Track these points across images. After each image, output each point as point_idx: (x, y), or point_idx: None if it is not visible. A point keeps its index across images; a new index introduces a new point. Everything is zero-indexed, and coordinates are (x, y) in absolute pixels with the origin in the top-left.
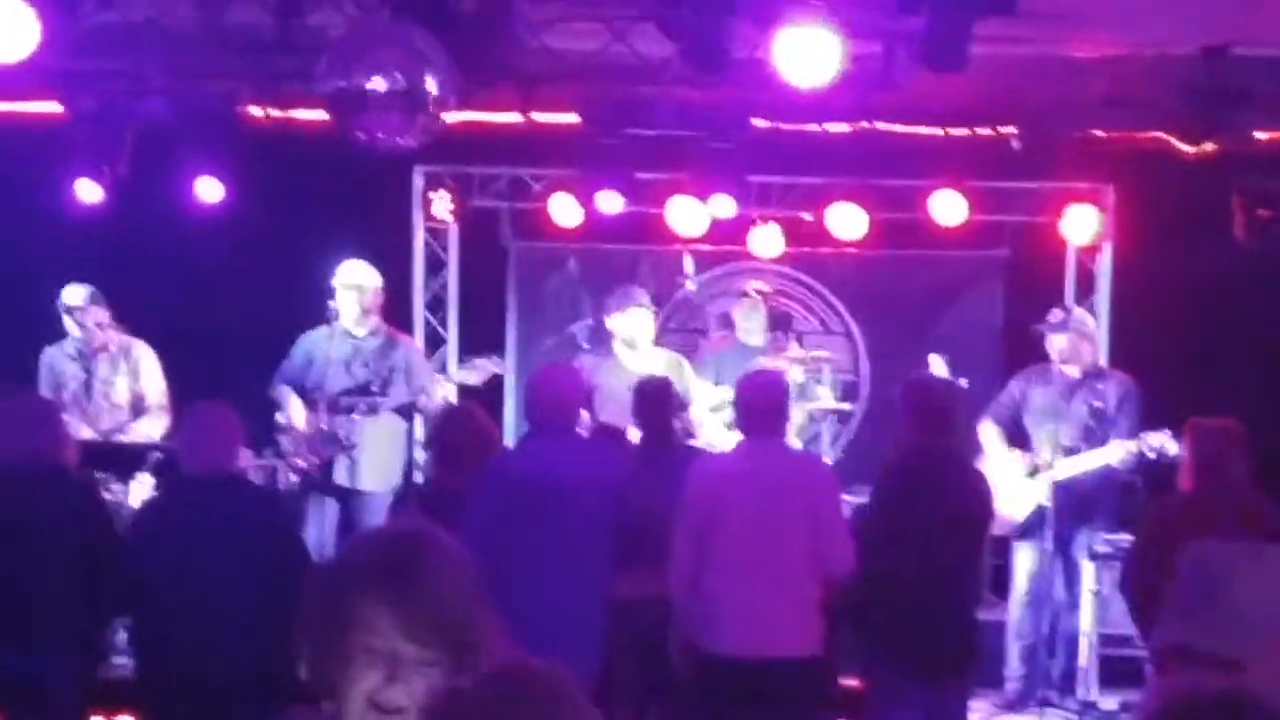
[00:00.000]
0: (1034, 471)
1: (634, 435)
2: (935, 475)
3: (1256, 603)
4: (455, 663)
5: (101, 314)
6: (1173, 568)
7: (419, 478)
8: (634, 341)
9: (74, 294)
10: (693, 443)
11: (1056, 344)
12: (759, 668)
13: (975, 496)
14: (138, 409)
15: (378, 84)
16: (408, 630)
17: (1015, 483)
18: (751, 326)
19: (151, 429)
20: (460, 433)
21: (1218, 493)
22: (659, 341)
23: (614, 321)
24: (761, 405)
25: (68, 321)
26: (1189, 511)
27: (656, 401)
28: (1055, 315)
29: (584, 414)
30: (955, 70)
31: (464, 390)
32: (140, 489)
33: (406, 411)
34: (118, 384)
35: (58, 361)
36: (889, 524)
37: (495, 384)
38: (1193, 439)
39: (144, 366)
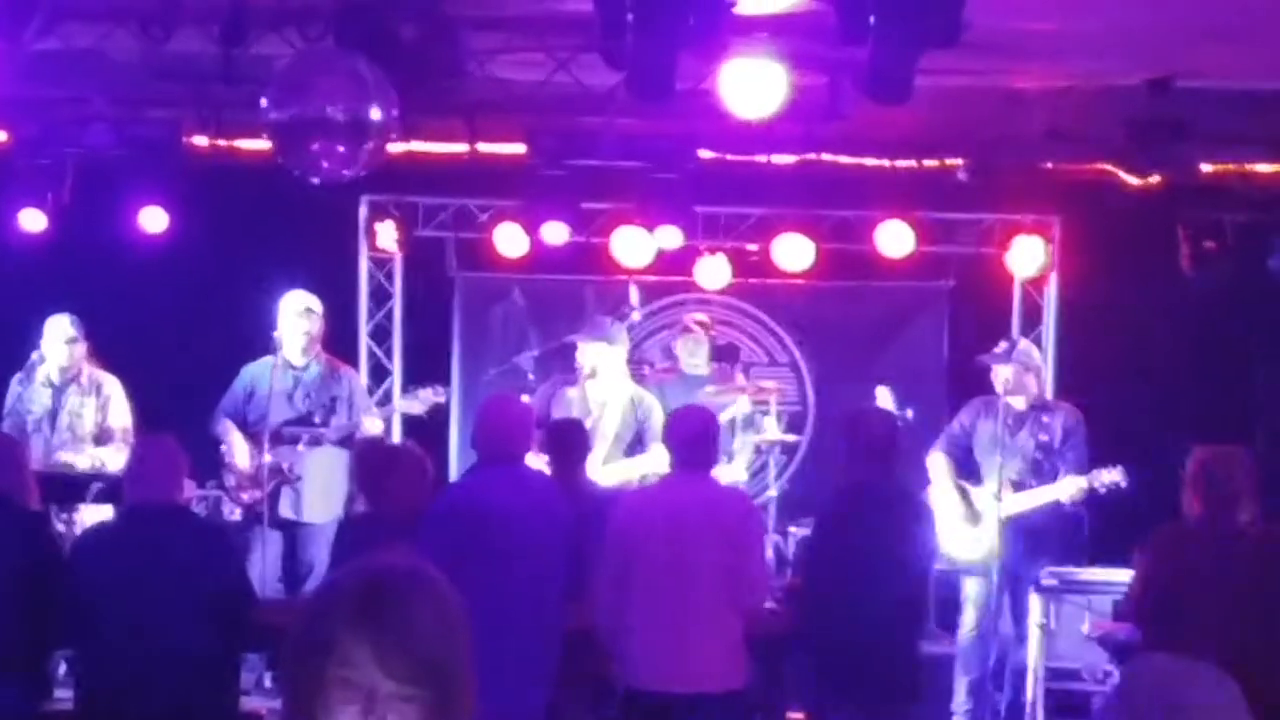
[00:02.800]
0: (982, 507)
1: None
2: (875, 507)
3: None
4: (435, 699)
5: (83, 346)
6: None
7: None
8: (598, 372)
9: (64, 324)
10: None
11: (1001, 375)
12: (679, 702)
13: (916, 529)
14: (102, 442)
15: (322, 115)
16: (386, 665)
17: (963, 516)
18: (696, 360)
19: (113, 459)
20: (376, 469)
21: (1229, 525)
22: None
23: (583, 349)
24: (690, 439)
25: (57, 351)
26: (1201, 542)
27: (570, 441)
28: (1000, 347)
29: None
30: (899, 102)
31: (407, 420)
32: (93, 518)
33: (348, 443)
34: (85, 416)
35: (27, 389)
36: (829, 557)
37: (439, 414)
38: (1201, 466)
39: (113, 401)
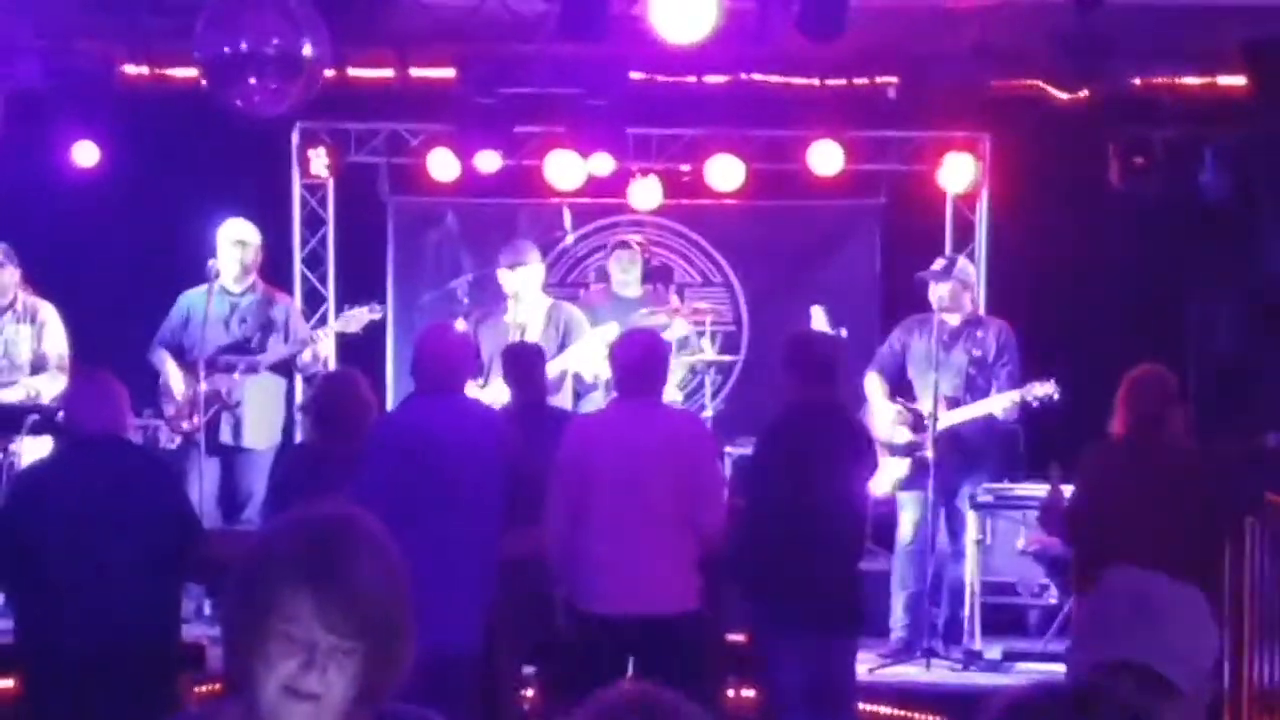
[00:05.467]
0: (915, 429)
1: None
2: (816, 428)
3: (1187, 636)
4: (376, 651)
5: (14, 272)
6: (1110, 520)
7: (299, 436)
8: (520, 296)
9: None
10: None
11: (939, 292)
12: (635, 624)
13: (856, 447)
14: (38, 369)
15: (254, 50)
16: (327, 619)
17: (897, 434)
18: (628, 278)
19: (48, 387)
20: (340, 402)
21: (1154, 443)
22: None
23: (503, 276)
24: (638, 365)
25: None
26: (1127, 461)
27: (527, 364)
28: (938, 264)
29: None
30: (833, 37)
31: (343, 339)
32: (35, 449)
33: (286, 368)
34: (21, 344)
35: None
36: (770, 478)
37: (375, 336)
38: (1131, 390)
39: (49, 328)
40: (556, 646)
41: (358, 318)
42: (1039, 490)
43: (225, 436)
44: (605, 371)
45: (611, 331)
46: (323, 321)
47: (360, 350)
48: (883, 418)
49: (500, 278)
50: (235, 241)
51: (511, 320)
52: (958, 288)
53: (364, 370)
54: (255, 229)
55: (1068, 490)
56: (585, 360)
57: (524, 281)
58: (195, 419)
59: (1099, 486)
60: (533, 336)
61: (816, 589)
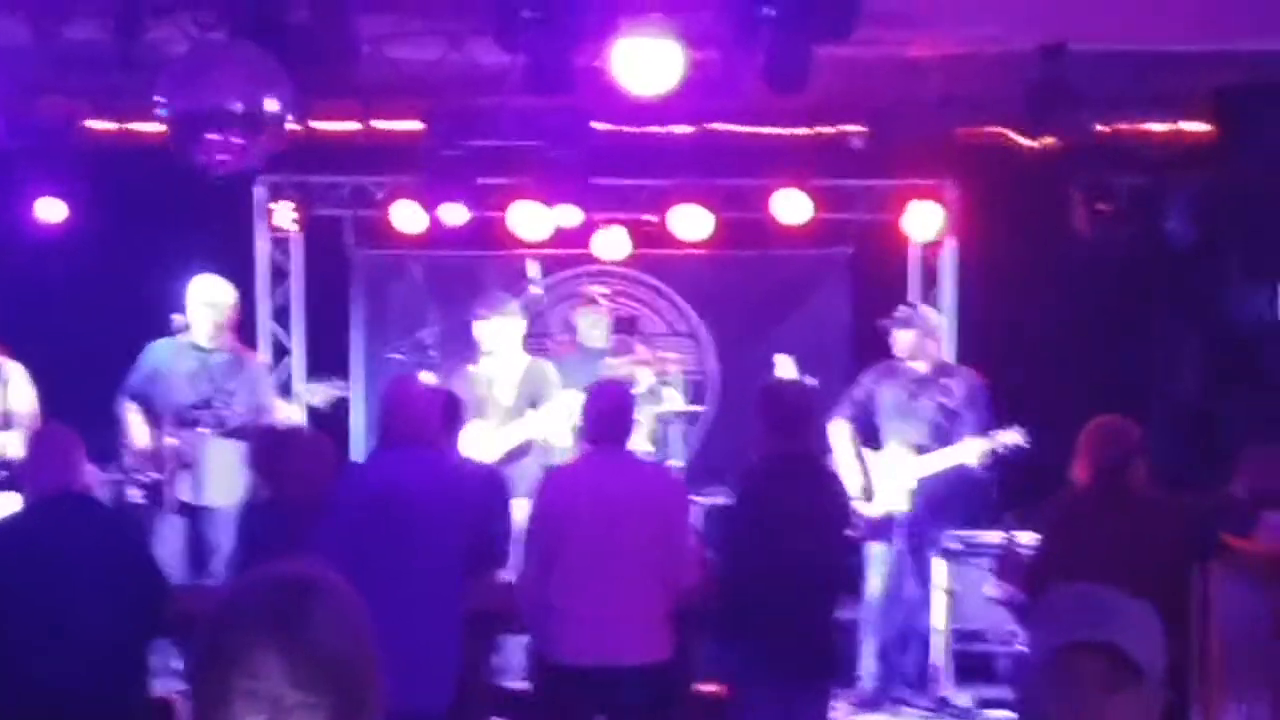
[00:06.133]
0: (883, 473)
1: None
2: (792, 479)
3: (1143, 625)
4: (342, 707)
5: None
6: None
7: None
8: (495, 350)
9: None
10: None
11: (901, 340)
12: (604, 674)
13: (832, 498)
14: (4, 427)
15: (217, 106)
16: (292, 675)
17: (864, 483)
18: (594, 332)
19: (15, 443)
20: (281, 455)
21: (1118, 492)
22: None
23: (478, 327)
24: (609, 415)
25: None
26: (1090, 510)
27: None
28: (900, 311)
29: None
30: (797, 91)
31: (310, 411)
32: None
33: (246, 433)
34: None
35: None
36: (747, 530)
37: (340, 404)
38: (1092, 440)
39: (13, 386)
40: (525, 698)
41: (323, 392)
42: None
43: (186, 494)
44: (567, 437)
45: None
46: (289, 375)
47: (325, 418)
48: (848, 465)
49: (476, 329)
50: (207, 301)
51: (479, 372)
52: (920, 335)
53: (330, 424)
54: (229, 288)
55: (1022, 538)
56: (549, 428)
57: (501, 333)
58: (157, 474)
59: (1062, 536)
60: (502, 392)
61: (793, 635)
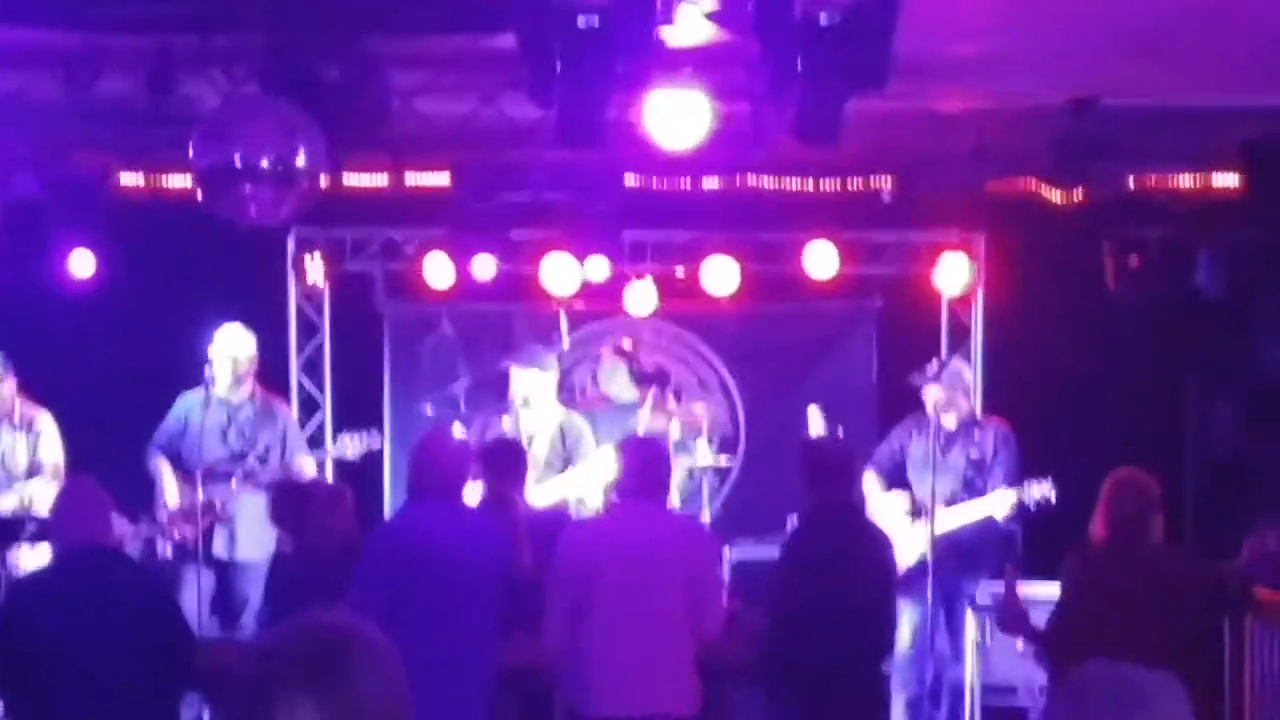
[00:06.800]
0: (915, 515)
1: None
2: (836, 531)
3: None
4: None
5: (11, 382)
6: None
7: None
8: (530, 401)
9: None
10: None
11: (932, 395)
12: None
13: (877, 550)
14: (33, 478)
15: (249, 160)
16: None
17: (897, 533)
18: (616, 388)
19: (43, 494)
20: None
21: (1135, 549)
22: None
23: (515, 375)
24: (641, 469)
25: None
26: (1109, 564)
27: (502, 462)
28: (931, 367)
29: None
30: (828, 144)
31: (340, 465)
32: (32, 559)
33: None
34: (17, 453)
35: None
36: (799, 583)
37: (370, 458)
38: (1111, 493)
39: (45, 437)
40: None
41: (354, 445)
42: (1038, 590)
43: (219, 549)
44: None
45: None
46: (320, 430)
47: (356, 471)
48: (882, 514)
49: (512, 376)
50: (227, 348)
51: (514, 428)
52: (950, 390)
53: (360, 478)
54: (248, 334)
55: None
56: (584, 488)
57: (537, 386)
58: (190, 529)
59: (1081, 591)
60: (540, 448)
61: (843, 689)
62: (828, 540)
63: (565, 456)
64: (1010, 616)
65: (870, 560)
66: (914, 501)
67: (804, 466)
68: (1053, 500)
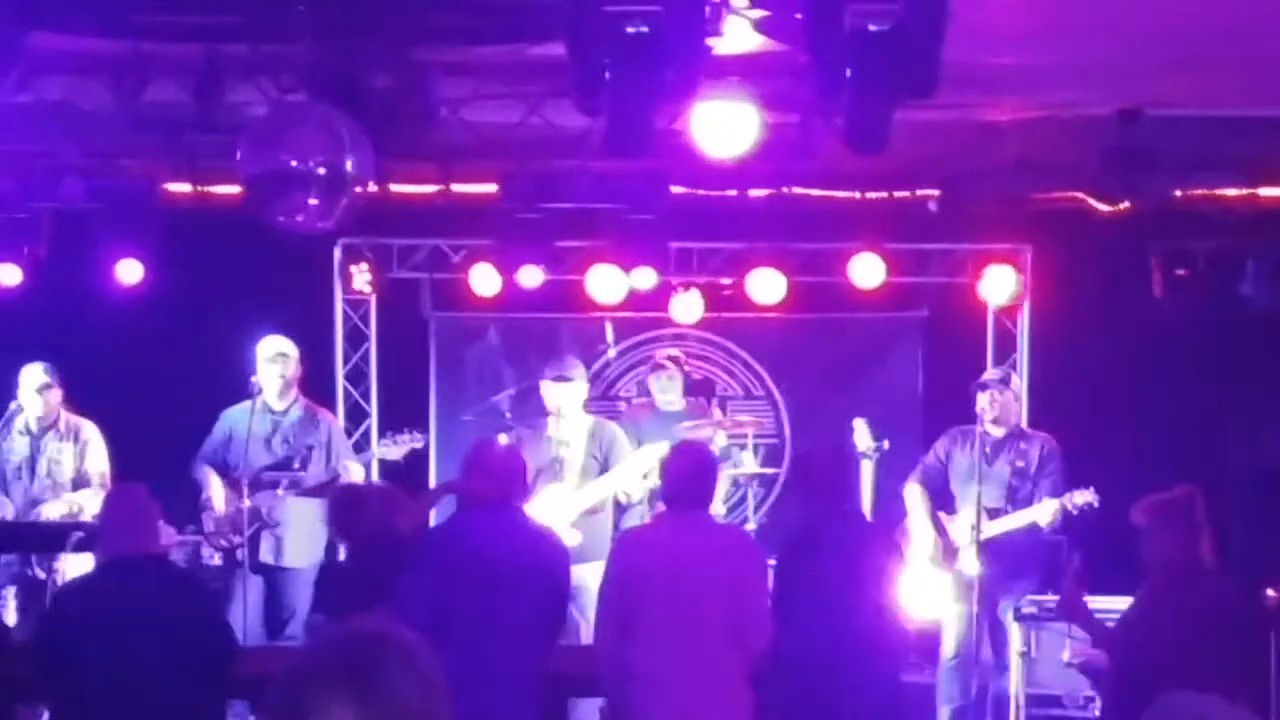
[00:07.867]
0: (957, 536)
1: None
2: (830, 542)
3: None
4: None
5: (58, 392)
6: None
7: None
8: (562, 411)
9: (38, 372)
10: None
11: (996, 402)
12: None
13: (884, 549)
14: (80, 488)
15: (297, 167)
16: None
17: (939, 545)
18: (669, 397)
19: (90, 503)
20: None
21: (1192, 564)
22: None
23: (546, 388)
24: (687, 476)
25: (31, 399)
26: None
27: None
28: (993, 374)
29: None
30: (876, 152)
31: (385, 464)
32: (78, 566)
33: (326, 490)
34: (64, 463)
35: (6, 439)
36: (794, 595)
37: (417, 456)
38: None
39: (91, 447)
40: None
41: (401, 445)
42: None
43: (265, 555)
44: (643, 491)
45: (663, 448)
46: (366, 439)
47: (402, 470)
48: (922, 535)
49: (543, 389)
50: (272, 358)
51: (554, 436)
52: (1011, 399)
53: (405, 484)
54: (292, 344)
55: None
56: (627, 483)
57: (567, 397)
58: (236, 537)
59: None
60: (575, 454)
61: (859, 700)
62: (819, 552)
63: (601, 460)
64: (1071, 605)
65: (865, 570)
66: (946, 534)
67: (796, 478)
68: (1095, 506)
